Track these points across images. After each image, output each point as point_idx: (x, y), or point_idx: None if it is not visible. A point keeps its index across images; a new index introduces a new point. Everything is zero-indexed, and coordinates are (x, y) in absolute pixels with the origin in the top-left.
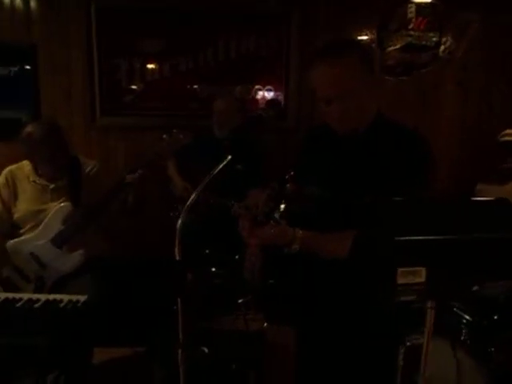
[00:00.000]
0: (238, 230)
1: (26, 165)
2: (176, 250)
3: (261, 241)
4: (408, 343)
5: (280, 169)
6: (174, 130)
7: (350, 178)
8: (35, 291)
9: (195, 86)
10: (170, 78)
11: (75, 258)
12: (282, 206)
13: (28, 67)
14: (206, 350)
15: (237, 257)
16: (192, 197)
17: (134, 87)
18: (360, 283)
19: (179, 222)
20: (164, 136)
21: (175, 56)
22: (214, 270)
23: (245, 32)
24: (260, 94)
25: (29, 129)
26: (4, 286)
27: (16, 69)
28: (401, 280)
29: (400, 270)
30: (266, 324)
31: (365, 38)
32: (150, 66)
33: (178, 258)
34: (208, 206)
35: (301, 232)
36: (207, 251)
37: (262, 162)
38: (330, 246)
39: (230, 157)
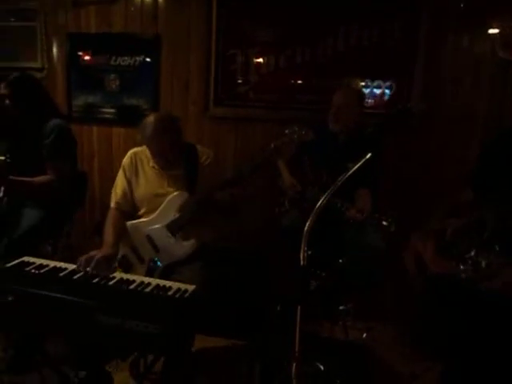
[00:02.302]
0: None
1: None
2: (301, 254)
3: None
4: None
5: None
6: (296, 127)
7: None
8: (147, 273)
9: (311, 78)
10: (285, 70)
11: (187, 246)
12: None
13: (151, 58)
14: (322, 368)
15: (340, 261)
16: (321, 200)
17: (248, 78)
18: None
19: (307, 225)
20: (286, 131)
21: (292, 47)
22: (316, 271)
23: (367, 21)
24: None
25: (145, 121)
26: (120, 264)
27: (141, 59)
28: None
29: None
30: (365, 335)
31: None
32: (265, 57)
33: (302, 263)
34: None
35: None
36: (310, 252)
37: (378, 162)
38: None
39: (369, 154)
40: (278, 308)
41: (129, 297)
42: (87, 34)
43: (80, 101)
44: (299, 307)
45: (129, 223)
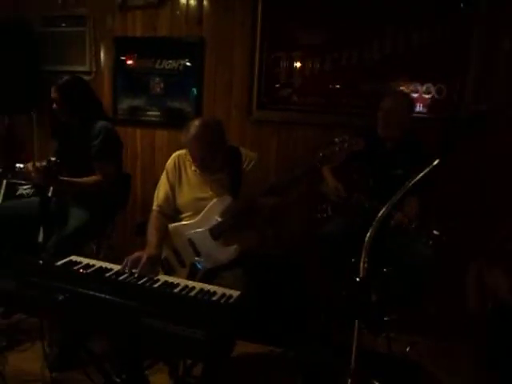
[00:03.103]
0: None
1: None
2: (361, 265)
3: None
4: None
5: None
6: (347, 136)
7: None
8: (188, 277)
9: (357, 82)
10: (330, 73)
11: (230, 251)
12: None
13: (195, 61)
14: None
15: (385, 270)
16: (383, 210)
17: (292, 82)
18: None
19: (368, 235)
20: (336, 140)
21: (338, 50)
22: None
23: (417, 22)
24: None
25: (189, 125)
26: (162, 266)
27: (185, 62)
28: None
29: None
30: (408, 348)
31: None
32: (310, 60)
33: (361, 275)
34: (361, 210)
35: None
36: (353, 260)
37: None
38: None
39: (437, 160)
40: (322, 318)
41: (174, 300)
42: (133, 37)
43: (125, 104)
44: (357, 321)
45: (171, 226)
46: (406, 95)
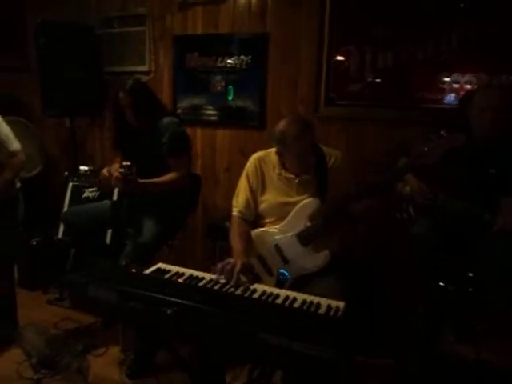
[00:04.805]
0: None
1: (272, 153)
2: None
3: None
4: None
5: None
6: (443, 132)
7: None
8: (276, 285)
9: (434, 75)
10: (405, 66)
11: (320, 258)
12: None
13: (258, 57)
14: None
15: (470, 274)
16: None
17: (363, 76)
18: None
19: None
20: (430, 136)
21: (412, 42)
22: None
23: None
24: None
25: (283, 125)
26: None
27: (248, 59)
28: None
29: None
30: (496, 356)
31: None
32: (382, 53)
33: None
34: (450, 211)
35: None
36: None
37: None
38: None
39: None
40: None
41: (284, 314)
42: (193, 35)
43: (185, 103)
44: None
45: (254, 232)
46: (503, 90)
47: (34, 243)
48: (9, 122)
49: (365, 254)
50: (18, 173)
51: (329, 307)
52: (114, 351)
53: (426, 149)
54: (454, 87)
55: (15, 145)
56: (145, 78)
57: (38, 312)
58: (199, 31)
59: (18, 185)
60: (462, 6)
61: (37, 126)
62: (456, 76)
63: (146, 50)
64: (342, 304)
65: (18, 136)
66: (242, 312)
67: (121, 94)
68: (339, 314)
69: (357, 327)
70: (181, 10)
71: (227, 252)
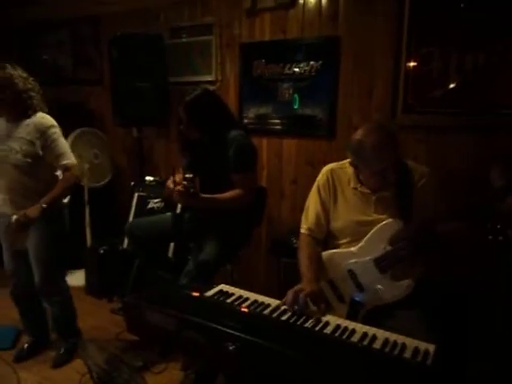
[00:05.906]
0: None
1: (347, 166)
2: None
3: None
4: None
5: None
6: None
7: None
8: (348, 315)
9: None
10: (497, 68)
11: (401, 287)
12: None
13: (329, 63)
14: None
15: None
16: None
17: (446, 80)
18: None
19: None
20: None
21: (505, 40)
22: None
23: None
24: None
25: (360, 134)
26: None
27: (317, 65)
28: None
29: None
30: None
31: None
32: (469, 54)
33: None
34: None
35: None
36: None
37: None
38: None
39: None
40: None
41: (360, 356)
42: (260, 42)
43: (251, 112)
44: None
45: (325, 254)
46: None
47: (101, 252)
48: (85, 133)
49: (455, 284)
50: (70, 187)
51: (416, 350)
52: (174, 369)
53: None
54: None
55: (71, 159)
56: (211, 88)
57: (102, 320)
58: (266, 38)
59: (66, 200)
60: None
61: (107, 136)
62: None
63: (213, 59)
64: (431, 347)
65: (92, 146)
66: (312, 354)
67: (179, 108)
68: (428, 360)
69: (450, 378)
70: (248, 16)
71: (292, 270)
